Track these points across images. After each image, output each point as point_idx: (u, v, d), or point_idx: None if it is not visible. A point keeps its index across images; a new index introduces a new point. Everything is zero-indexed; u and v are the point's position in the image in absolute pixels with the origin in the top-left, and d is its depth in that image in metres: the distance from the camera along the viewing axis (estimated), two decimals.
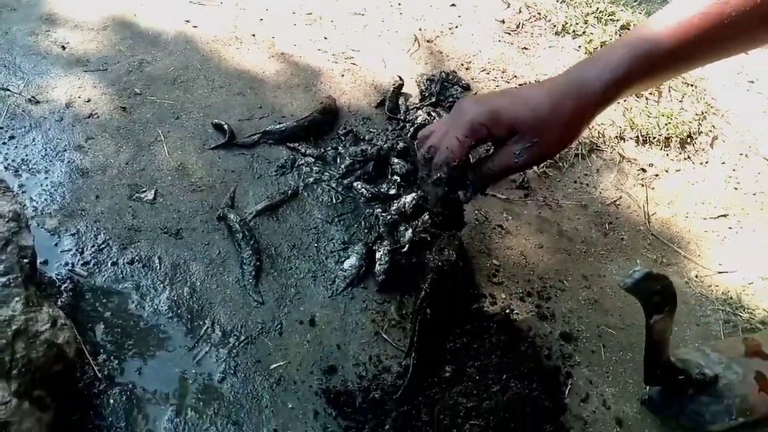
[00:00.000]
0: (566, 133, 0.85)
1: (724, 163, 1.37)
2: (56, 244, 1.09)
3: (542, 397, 0.94)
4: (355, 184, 1.25)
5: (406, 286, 1.09)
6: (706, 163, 1.37)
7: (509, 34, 1.68)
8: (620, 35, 1.62)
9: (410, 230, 1.15)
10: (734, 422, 0.92)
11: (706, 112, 1.45)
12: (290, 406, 0.94)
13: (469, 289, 1.10)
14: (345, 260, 1.12)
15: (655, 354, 0.83)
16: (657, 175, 1.35)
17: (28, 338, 0.82)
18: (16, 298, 0.84)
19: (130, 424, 0.89)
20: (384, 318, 1.06)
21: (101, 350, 0.97)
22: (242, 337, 1.01)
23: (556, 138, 0.85)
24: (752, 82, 1.56)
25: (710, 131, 1.42)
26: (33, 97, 1.35)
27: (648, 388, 0.95)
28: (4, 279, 0.85)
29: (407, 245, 1.11)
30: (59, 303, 1.00)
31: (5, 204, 0.94)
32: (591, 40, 1.65)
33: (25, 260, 0.90)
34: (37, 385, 0.81)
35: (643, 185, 1.32)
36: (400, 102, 1.45)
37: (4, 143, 1.25)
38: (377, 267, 1.10)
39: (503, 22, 1.70)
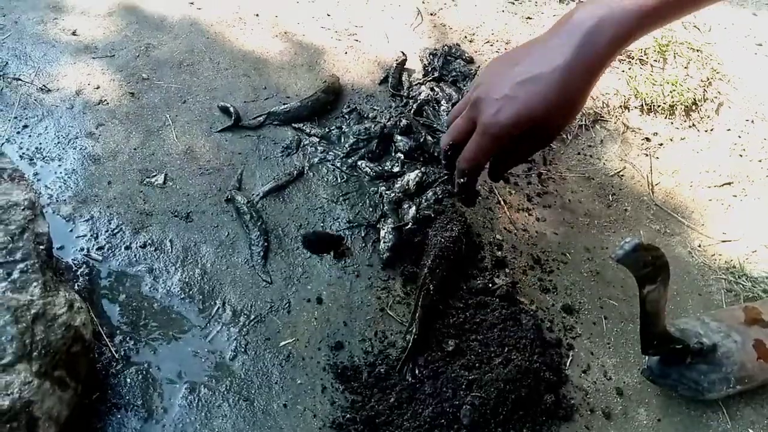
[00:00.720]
0: (576, 110, 0.73)
1: (729, 130, 1.36)
2: (71, 230, 1.13)
3: (543, 369, 0.97)
4: (359, 162, 1.27)
5: (410, 263, 1.11)
6: (711, 130, 1.37)
7: (513, 3, 1.66)
8: None
9: (414, 207, 1.17)
10: (732, 390, 0.94)
11: (711, 78, 1.44)
12: (299, 381, 0.98)
13: (471, 264, 1.12)
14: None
15: (650, 324, 0.85)
16: (661, 144, 1.35)
17: (46, 321, 0.86)
18: (34, 284, 0.88)
19: (146, 401, 0.94)
20: (389, 294, 1.09)
21: (117, 331, 1.01)
22: (252, 316, 1.05)
23: (564, 121, 0.74)
24: (760, 45, 1.53)
25: (716, 97, 1.41)
26: (44, 85, 1.38)
27: (647, 358, 0.96)
28: (21, 265, 0.89)
29: (411, 222, 1.13)
30: (76, 287, 1.04)
31: (21, 192, 0.98)
32: None
33: (41, 247, 0.94)
34: (57, 365, 0.85)
35: (647, 155, 1.32)
36: (403, 78, 1.45)
37: (18, 132, 1.28)
38: (382, 245, 1.12)
39: None
